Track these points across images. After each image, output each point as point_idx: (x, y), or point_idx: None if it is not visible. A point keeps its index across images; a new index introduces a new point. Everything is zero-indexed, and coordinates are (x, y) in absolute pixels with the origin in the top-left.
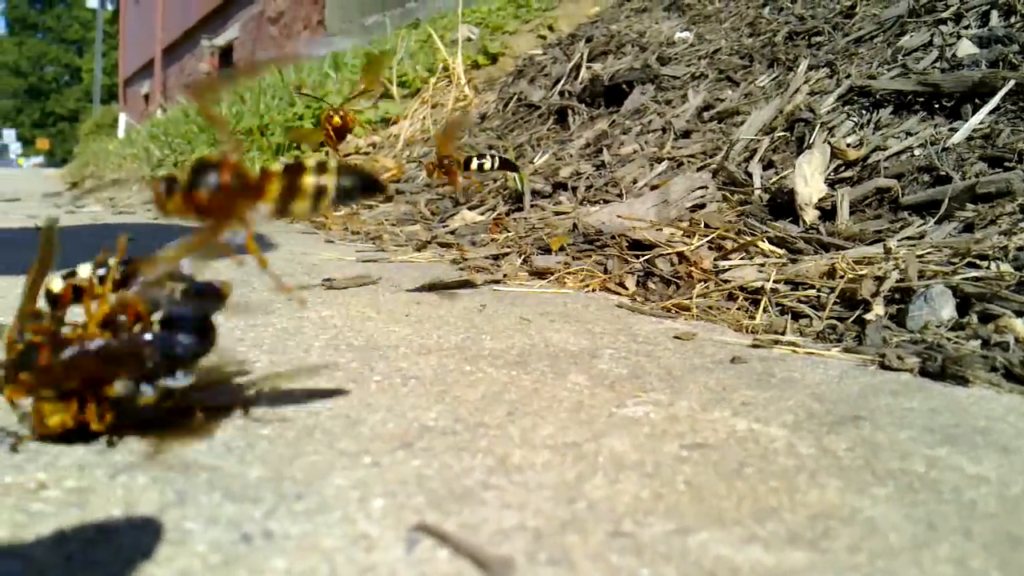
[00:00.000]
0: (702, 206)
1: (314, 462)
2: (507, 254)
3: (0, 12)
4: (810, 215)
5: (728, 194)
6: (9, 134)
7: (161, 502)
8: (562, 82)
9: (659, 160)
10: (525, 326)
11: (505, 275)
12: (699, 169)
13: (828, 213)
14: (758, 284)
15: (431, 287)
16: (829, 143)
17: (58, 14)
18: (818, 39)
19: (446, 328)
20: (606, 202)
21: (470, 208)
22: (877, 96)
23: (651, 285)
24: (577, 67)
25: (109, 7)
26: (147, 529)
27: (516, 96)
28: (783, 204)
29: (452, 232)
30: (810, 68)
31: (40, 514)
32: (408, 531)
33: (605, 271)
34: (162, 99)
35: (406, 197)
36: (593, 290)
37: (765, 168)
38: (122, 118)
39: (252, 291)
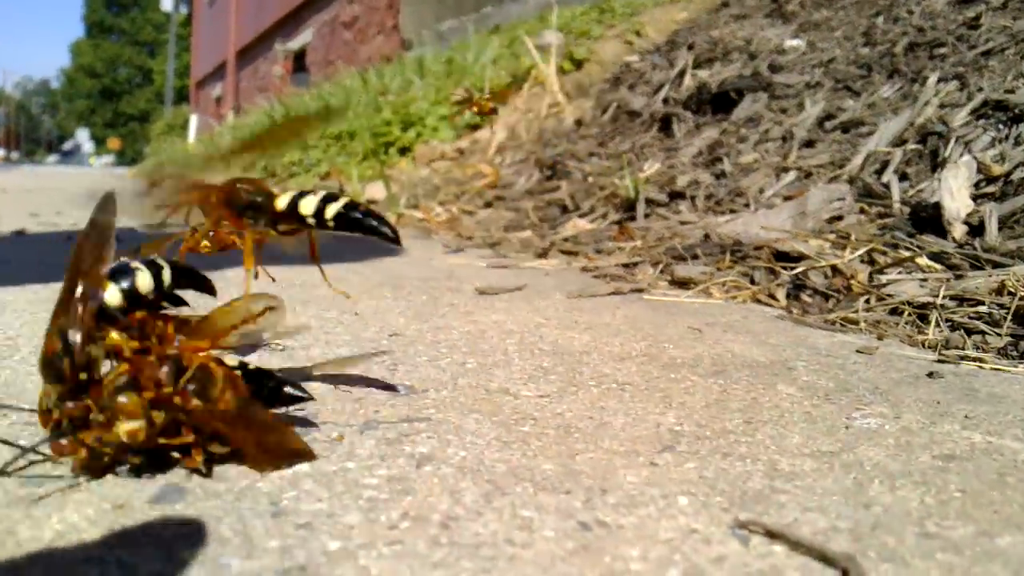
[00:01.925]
0: (840, 218)
1: (592, 459)
2: (638, 263)
3: (81, 16)
4: (958, 230)
5: (865, 206)
6: (82, 134)
7: (482, 493)
8: (666, 89)
9: (785, 170)
10: (698, 335)
11: (648, 284)
12: (831, 180)
13: (975, 229)
14: (925, 299)
15: (580, 295)
16: (975, 158)
17: (132, 17)
18: (941, 51)
19: (622, 335)
20: (732, 212)
21: (580, 216)
22: (1016, 111)
23: (804, 298)
24: (681, 74)
25: (183, 10)
26: (486, 519)
27: (615, 103)
28: (927, 218)
29: (567, 239)
30: (939, 81)
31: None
32: (731, 527)
33: (752, 282)
34: (234, 101)
35: (506, 203)
36: (744, 301)
37: (900, 180)
38: (193, 119)
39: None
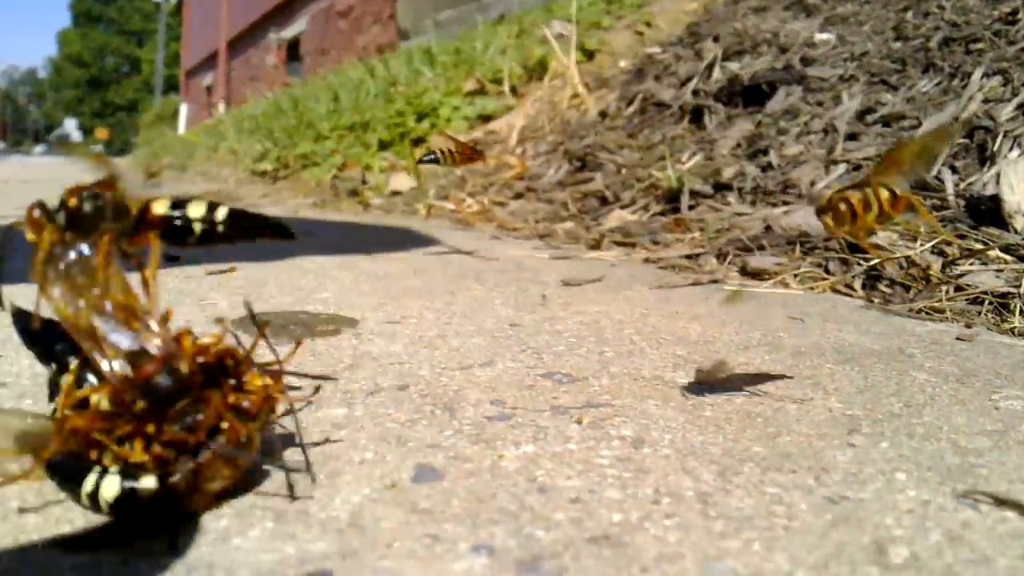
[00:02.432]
0: None
1: (791, 441)
2: (700, 254)
3: (67, 5)
4: (1020, 223)
5: (920, 199)
6: (70, 123)
7: (715, 472)
8: (695, 81)
9: (834, 162)
10: (802, 325)
11: (725, 276)
12: None
13: None
14: (1004, 289)
15: (662, 286)
16: None
17: (120, 6)
18: (978, 46)
19: (730, 325)
20: (785, 203)
21: (621, 207)
22: None
23: (882, 288)
24: (710, 66)
25: None
26: (738, 495)
27: (641, 95)
28: (986, 211)
29: (613, 231)
30: (982, 76)
31: None
32: (956, 497)
33: (826, 272)
34: (225, 91)
35: (537, 195)
36: (823, 291)
37: (951, 174)
38: (183, 109)
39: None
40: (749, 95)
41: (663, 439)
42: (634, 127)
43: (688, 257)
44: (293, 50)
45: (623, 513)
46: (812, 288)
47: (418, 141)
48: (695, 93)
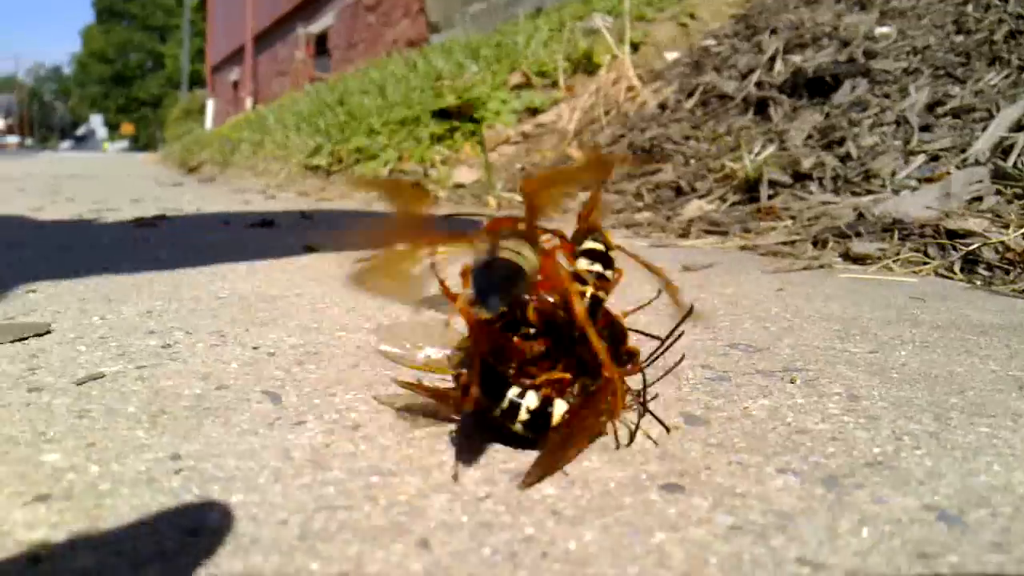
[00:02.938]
0: (979, 199)
1: None
2: (796, 241)
3: (91, 2)
4: None
5: (1001, 187)
6: (96, 119)
7: (965, 420)
8: (757, 73)
9: (912, 153)
10: (924, 304)
11: (824, 262)
12: (962, 163)
13: None
14: None
15: (776, 271)
16: None
17: (143, 2)
18: None
19: (866, 304)
20: (869, 192)
21: (699, 197)
22: None
23: (980, 271)
24: (772, 58)
25: None
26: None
27: (702, 87)
28: None
29: (693, 220)
30: None
31: None
32: None
33: (927, 256)
34: (252, 86)
35: (605, 186)
36: (926, 275)
37: None
38: (210, 104)
39: None
40: (813, 87)
41: (872, 395)
42: (698, 119)
43: (785, 244)
44: (321, 44)
45: (879, 447)
46: (915, 272)
47: (469, 135)
48: (758, 85)
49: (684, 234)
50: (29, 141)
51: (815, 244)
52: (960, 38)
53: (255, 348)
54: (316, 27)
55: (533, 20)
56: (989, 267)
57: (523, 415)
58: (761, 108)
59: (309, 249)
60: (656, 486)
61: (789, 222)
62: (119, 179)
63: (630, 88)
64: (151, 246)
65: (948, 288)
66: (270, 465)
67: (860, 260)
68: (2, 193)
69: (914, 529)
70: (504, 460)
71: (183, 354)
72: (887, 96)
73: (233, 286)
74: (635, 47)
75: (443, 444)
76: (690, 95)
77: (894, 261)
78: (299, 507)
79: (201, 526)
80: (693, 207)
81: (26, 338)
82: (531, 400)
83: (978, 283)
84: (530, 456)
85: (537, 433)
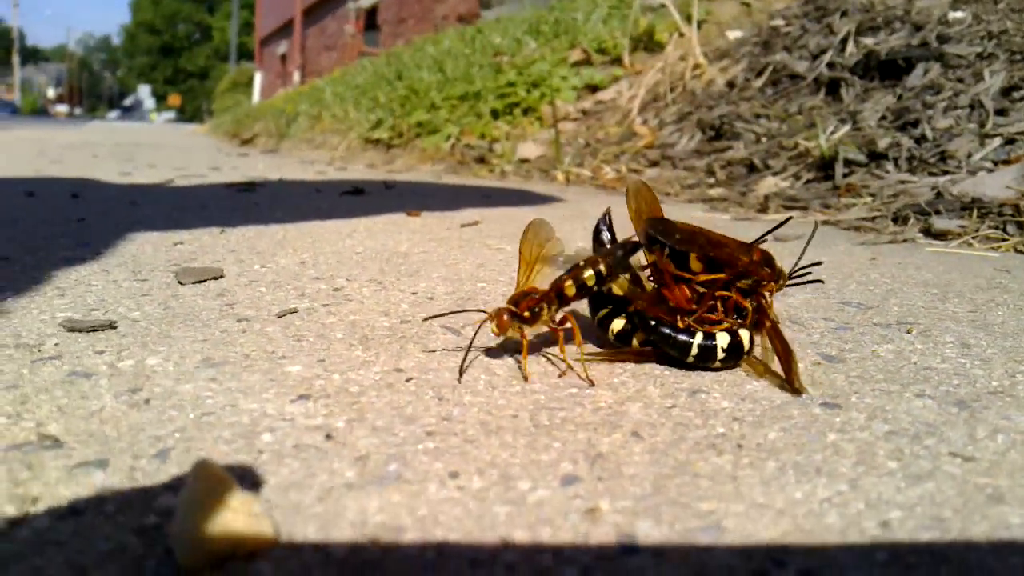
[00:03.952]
0: None
1: None
2: (876, 217)
3: None
4: None
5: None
6: (144, 90)
7: None
8: (829, 54)
9: (987, 136)
10: (1010, 276)
11: (907, 237)
12: None
13: None
14: None
15: (863, 243)
16: None
17: None
18: None
19: (956, 273)
20: (946, 172)
21: (773, 175)
22: None
23: None
24: (844, 40)
25: None
26: None
27: (772, 66)
28: None
29: (768, 196)
30: None
31: None
32: None
33: (1005, 233)
34: (300, 60)
35: (673, 163)
36: (1007, 251)
37: None
38: (257, 77)
39: None
40: (885, 70)
41: (981, 343)
42: (768, 98)
43: (866, 219)
44: (370, 19)
45: (996, 381)
46: (994, 248)
47: (527, 111)
48: (830, 66)
49: (763, 209)
50: (78, 110)
51: (896, 220)
52: None
53: (414, 293)
54: (366, 1)
55: None
56: None
57: (719, 353)
58: (833, 89)
59: (412, 214)
60: (816, 404)
61: (868, 199)
62: (182, 148)
63: (696, 66)
64: (263, 208)
65: None
66: (481, 378)
67: (941, 236)
68: (81, 160)
69: None
70: (676, 381)
71: (355, 296)
72: (960, 80)
73: (363, 243)
74: (698, 25)
75: (619, 368)
76: (759, 74)
77: (973, 237)
78: (522, 407)
79: (449, 417)
80: (767, 184)
81: (204, 280)
82: (723, 338)
83: None
84: (696, 377)
85: (730, 360)
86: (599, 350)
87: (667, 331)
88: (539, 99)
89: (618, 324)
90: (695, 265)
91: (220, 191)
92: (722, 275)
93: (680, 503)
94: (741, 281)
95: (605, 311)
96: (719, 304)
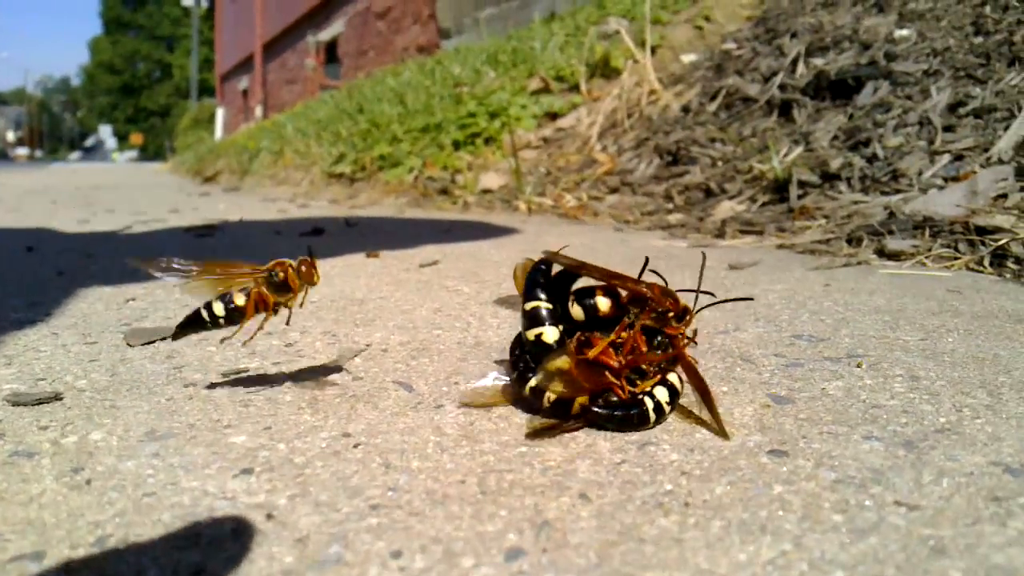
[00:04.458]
0: (1004, 196)
1: None
2: (830, 239)
3: (98, 13)
4: None
5: None
6: (105, 130)
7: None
8: (780, 76)
9: (937, 153)
10: (961, 296)
11: (861, 259)
12: (986, 163)
13: None
14: None
15: (818, 267)
16: None
17: (149, 12)
18: None
19: (908, 297)
20: (897, 191)
21: (729, 199)
22: None
23: (1009, 265)
24: (795, 61)
25: (204, 3)
26: None
27: (725, 90)
28: None
29: (726, 220)
30: None
31: None
32: None
33: (957, 252)
34: (262, 94)
35: (633, 189)
36: (959, 270)
37: None
38: (219, 113)
39: None
40: (836, 89)
41: (930, 375)
42: (722, 121)
43: (821, 242)
44: (331, 52)
45: (944, 417)
46: (947, 267)
47: (488, 141)
48: (782, 88)
49: (720, 234)
50: (39, 153)
51: (850, 242)
52: (979, 39)
53: (368, 345)
54: (326, 35)
55: (548, 25)
56: (1017, 261)
57: (666, 409)
58: (785, 110)
59: (371, 255)
60: (764, 452)
61: (823, 221)
62: (143, 189)
63: (652, 92)
64: (219, 255)
65: (980, 281)
66: (431, 440)
67: (895, 256)
68: (39, 207)
69: (985, 479)
70: (626, 435)
71: (307, 351)
72: (909, 97)
73: (319, 290)
74: (652, 50)
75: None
76: (713, 98)
77: (927, 257)
78: (470, 471)
79: (395, 487)
80: (724, 208)
81: (153, 341)
82: (662, 394)
83: (1008, 276)
84: (647, 432)
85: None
86: (550, 421)
87: (619, 412)
88: (500, 129)
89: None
90: (602, 305)
91: (178, 237)
92: (628, 312)
93: (624, 574)
94: (646, 316)
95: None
96: (641, 351)
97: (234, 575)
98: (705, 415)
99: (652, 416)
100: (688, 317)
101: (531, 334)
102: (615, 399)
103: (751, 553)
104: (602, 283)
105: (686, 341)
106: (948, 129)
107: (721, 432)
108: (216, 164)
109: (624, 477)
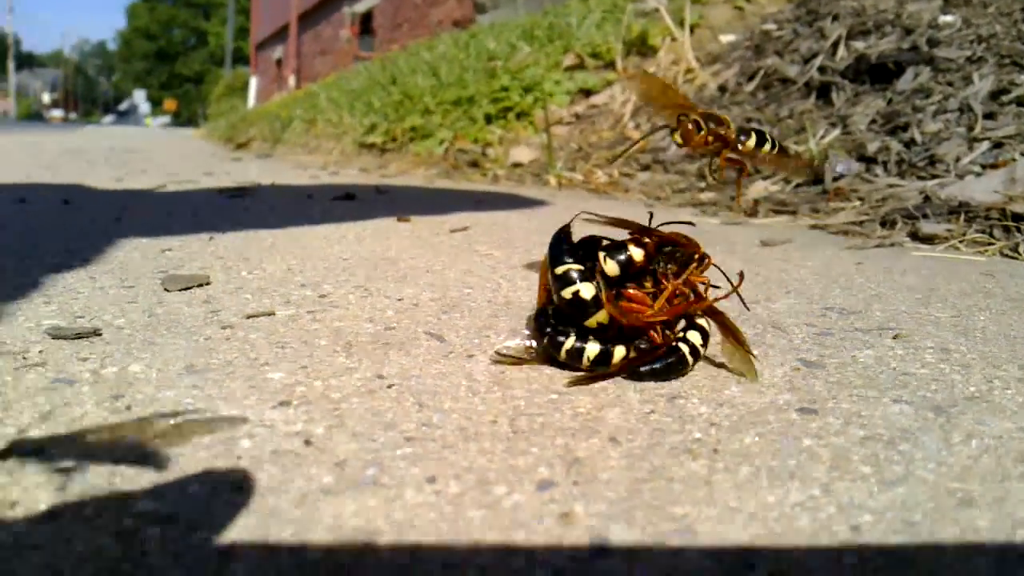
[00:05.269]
0: None
1: None
2: (864, 221)
3: None
4: None
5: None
6: (139, 95)
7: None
8: (820, 58)
9: (976, 140)
10: (994, 280)
11: (894, 241)
12: None
13: None
14: None
15: (851, 247)
16: None
17: None
18: None
19: (941, 277)
20: (934, 176)
21: (763, 178)
22: None
23: None
24: (835, 44)
25: None
26: None
27: (763, 70)
28: None
29: (759, 200)
30: None
31: None
32: None
33: (991, 237)
34: (296, 64)
35: (664, 167)
36: (992, 255)
37: None
38: (253, 82)
39: None
40: (875, 73)
41: (961, 349)
42: (759, 102)
43: (854, 224)
44: (365, 24)
45: (974, 387)
46: (981, 252)
47: (520, 115)
48: (821, 70)
49: (753, 213)
50: (73, 115)
51: (884, 224)
52: None
53: (399, 300)
54: (362, 6)
55: (585, 2)
56: None
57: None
58: (823, 93)
59: (402, 220)
60: (793, 409)
61: (857, 203)
62: (177, 153)
63: (688, 70)
64: (253, 215)
65: (1015, 267)
66: (462, 384)
67: (928, 240)
68: (74, 166)
69: (1013, 443)
70: (656, 387)
71: (341, 302)
72: (950, 84)
73: (352, 249)
74: (691, 29)
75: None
76: (751, 78)
77: (960, 241)
78: (501, 412)
79: (429, 423)
80: (757, 188)
81: (190, 288)
82: (695, 337)
83: None
84: (675, 383)
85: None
86: (580, 374)
87: (659, 365)
88: (532, 104)
89: (592, 350)
90: (636, 256)
91: (211, 197)
92: (657, 262)
93: (654, 507)
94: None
95: (571, 341)
96: (677, 301)
97: (273, 492)
98: (735, 362)
99: (690, 360)
100: (707, 262)
101: (567, 292)
102: (647, 349)
103: (780, 496)
104: (629, 236)
105: (708, 286)
106: (989, 116)
107: (751, 370)
108: (248, 132)
109: (653, 425)
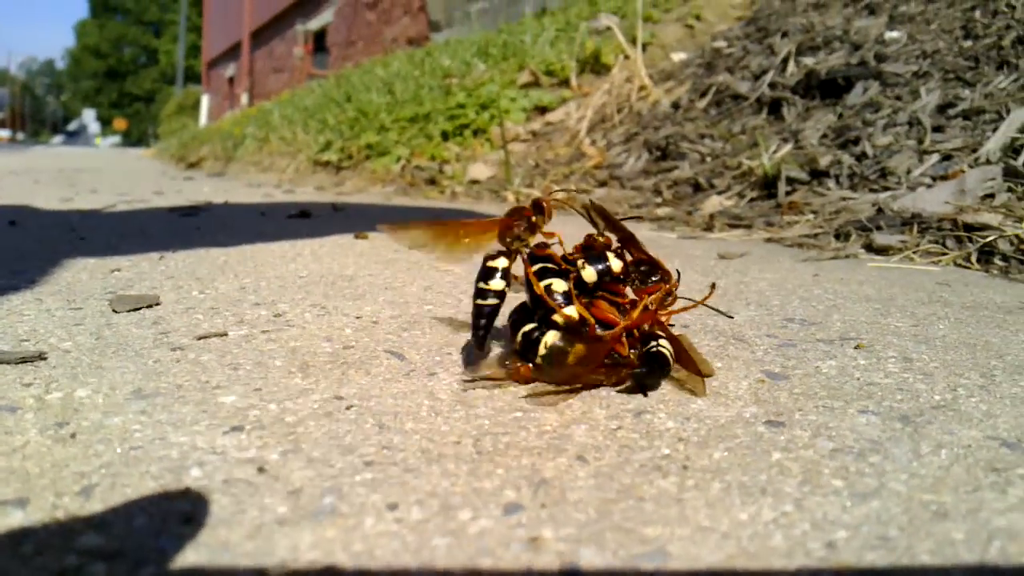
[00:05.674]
0: (992, 195)
1: None
2: (819, 234)
3: None
4: None
5: (1012, 185)
6: (89, 114)
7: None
8: (771, 74)
9: (926, 152)
10: (950, 289)
11: (849, 253)
12: (974, 163)
13: None
14: None
15: (807, 260)
16: None
17: None
18: None
19: (898, 288)
20: (886, 189)
21: (717, 194)
22: None
23: (996, 262)
24: (785, 60)
25: None
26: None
27: (715, 87)
28: None
29: (715, 214)
30: None
31: None
32: None
33: (944, 248)
34: (248, 82)
35: (621, 183)
36: (946, 265)
37: None
38: (204, 100)
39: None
40: (825, 89)
41: (923, 358)
42: (712, 118)
43: (809, 236)
44: (319, 41)
45: (939, 395)
46: (935, 262)
47: (477, 132)
48: (772, 86)
49: (709, 227)
50: (20, 135)
51: (838, 237)
52: (969, 43)
53: (358, 317)
54: (315, 24)
55: (539, 20)
56: (1005, 258)
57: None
58: (775, 108)
59: (359, 236)
60: (760, 422)
61: (811, 216)
62: (127, 172)
63: (642, 87)
64: (205, 233)
65: (968, 276)
66: (424, 404)
67: (883, 251)
68: (22, 186)
69: (983, 452)
70: (622, 402)
71: (296, 321)
72: (899, 98)
73: (308, 267)
74: (643, 47)
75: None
76: (703, 95)
77: (914, 252)
78: (465, 432)
79: (390, 446)
80: (712, 203)
81: (139, 308)
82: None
83: (995, 272)
84: (641, 398)
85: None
86: (549, 387)
87: (649, 363)
88: (489, 121)
89: (550, 337)
90: (615, 266)
91: (162, 216)
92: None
93: (624, 528)
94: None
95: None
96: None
97: (225, 524)
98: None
99: (671, 358)
100: (673, 297)
101: (542, 285)
102: (622, 361)
103: (752, 513)
104: (611, 246)
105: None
106: (937, 130)
107: (702, 364)
108: (200, 150)
109: (621, 442)
